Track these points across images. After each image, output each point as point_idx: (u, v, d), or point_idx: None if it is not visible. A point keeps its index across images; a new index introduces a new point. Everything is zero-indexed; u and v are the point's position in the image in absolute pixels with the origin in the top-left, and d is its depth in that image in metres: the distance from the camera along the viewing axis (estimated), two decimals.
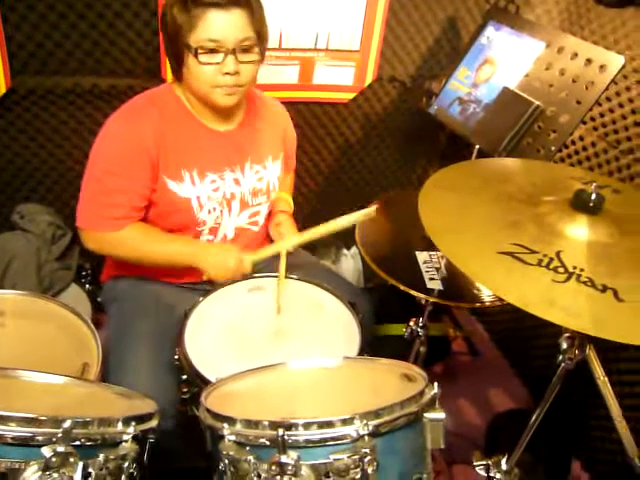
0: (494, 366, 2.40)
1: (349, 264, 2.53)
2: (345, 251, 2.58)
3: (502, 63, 1.77)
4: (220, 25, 1.30)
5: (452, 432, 1.96)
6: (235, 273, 1.48)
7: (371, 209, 1.50)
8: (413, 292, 1.47)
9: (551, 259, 1.01)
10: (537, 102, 1.59)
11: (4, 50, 1.81)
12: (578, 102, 1.51)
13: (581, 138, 1.90)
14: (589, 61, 1.51)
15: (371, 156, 2.52)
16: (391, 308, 2.01)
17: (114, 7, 1.85)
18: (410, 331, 1.74)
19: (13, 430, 0.78)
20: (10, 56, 1.84)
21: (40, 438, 0.79)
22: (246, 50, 1.34)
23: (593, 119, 1.84)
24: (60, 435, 0.79)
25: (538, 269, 0.99)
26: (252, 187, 1.57)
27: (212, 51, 1.31)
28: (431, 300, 1.49)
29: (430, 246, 1.61)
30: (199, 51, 1.31)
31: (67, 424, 0.79)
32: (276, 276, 1.52)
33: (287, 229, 1.63)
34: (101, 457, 0.85)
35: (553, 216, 1.11)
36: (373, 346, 1.43)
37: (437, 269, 1.55)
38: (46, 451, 0.77)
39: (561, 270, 0.99)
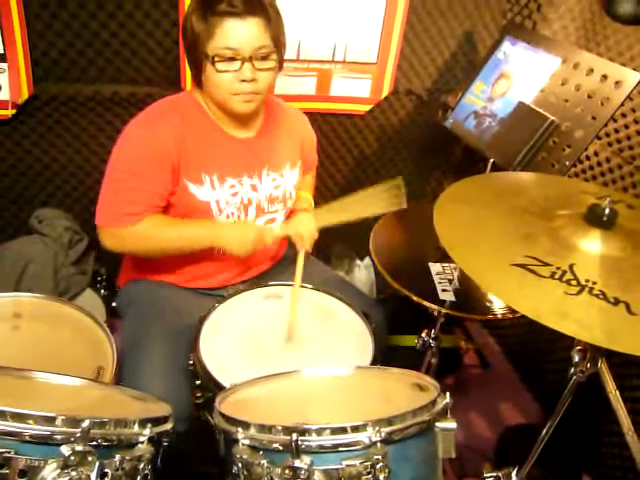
0: (505, 379, 2.39)
1: (362, 275, 2.54)
2: (358, 262, 2.59)
3: (518, 78, 1.78)
4: (236, 34, 1.32)
5: (462, 444, 1.96)
6: (255, 245, 1.49)
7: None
8: (425, 303, 1.47)
9: (564, 272, 1.02)
10: (552, 117, 1.60)
11: (28, 57, 1.85)
12: (593, 118, 1.51)
13: (596, 153, 1.90)
14: (605, 77, 1.52)
15: (386, 168, 2.54)
16: (403, 319, 2.01)
17: (136, 17, 1.89)
18: (422, 342, 1.74)
19: (32, 428, 0.79)
20: (33, 63, 1.88)
21: (59, 437, 0.80)
22: (263, 58, 1.36)
23: (608, 135, 1.85)
24: (78, 435, 0.80)
25: (551, 281, 1.00)
26: (269, 194, 1.58)
27: (229, 59, 1.33)
28: (443, 311, 1.49)
29: (443, 258, 1.62)
30: (216, 59, 1.33)
31: (85, 424, 0.80)
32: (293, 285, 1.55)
33: None
34: (117, 458, 0.86)
35: (567, 230, 1.12)
36: (385, 356, 1.44)
37: (450, 281, 1.55)
38: (65, 450, 0.79)
39: (574, 283, 0.99)
